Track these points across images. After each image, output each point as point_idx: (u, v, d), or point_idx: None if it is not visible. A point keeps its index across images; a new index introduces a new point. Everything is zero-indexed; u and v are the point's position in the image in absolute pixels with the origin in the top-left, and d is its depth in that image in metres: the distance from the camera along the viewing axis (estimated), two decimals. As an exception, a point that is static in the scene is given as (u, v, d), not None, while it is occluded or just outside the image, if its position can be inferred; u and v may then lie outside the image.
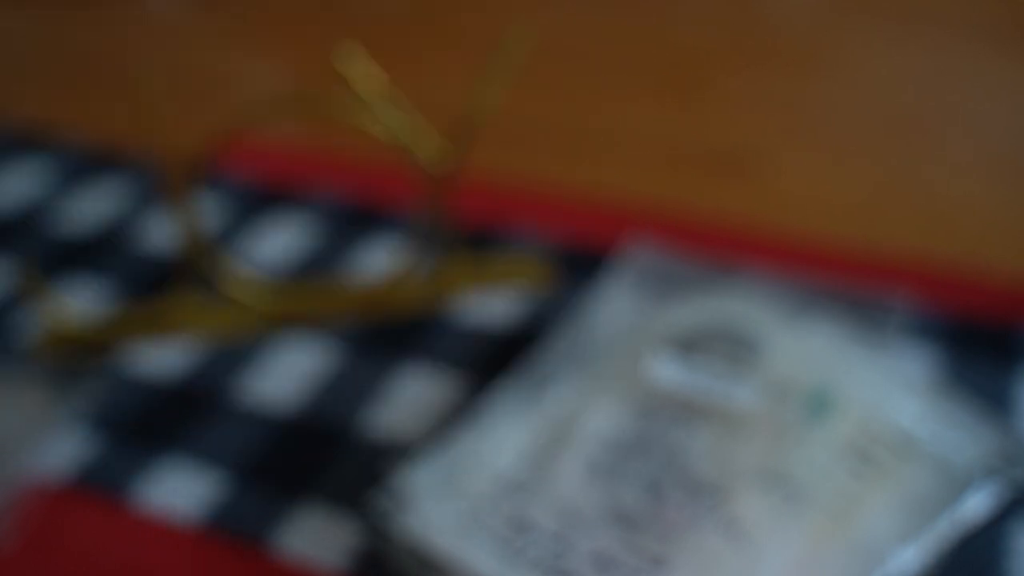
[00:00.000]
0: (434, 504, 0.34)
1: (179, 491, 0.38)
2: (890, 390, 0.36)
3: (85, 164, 0.60)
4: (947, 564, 0.32)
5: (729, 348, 0.38)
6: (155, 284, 0.49)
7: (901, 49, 0.71)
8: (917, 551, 0.31)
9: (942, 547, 0.32)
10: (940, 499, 0.33)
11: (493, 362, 0.42)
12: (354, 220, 0.53)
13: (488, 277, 0.47)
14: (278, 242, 0.51)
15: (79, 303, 0.47)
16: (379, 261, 0.50)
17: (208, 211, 0.54)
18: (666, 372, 0.38)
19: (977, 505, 0.33)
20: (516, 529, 0.33)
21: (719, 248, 0.46)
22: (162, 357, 0.43)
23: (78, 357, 0.44)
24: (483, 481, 0.35)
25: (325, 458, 0.38)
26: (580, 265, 0.48)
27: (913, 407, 0.36)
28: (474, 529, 0.33)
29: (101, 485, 0.38)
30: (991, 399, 0.38)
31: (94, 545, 0.36)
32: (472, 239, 0.50)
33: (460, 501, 0.34)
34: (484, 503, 0.34)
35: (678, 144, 0.61)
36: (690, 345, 0.39)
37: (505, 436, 0.37)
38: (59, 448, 0.39)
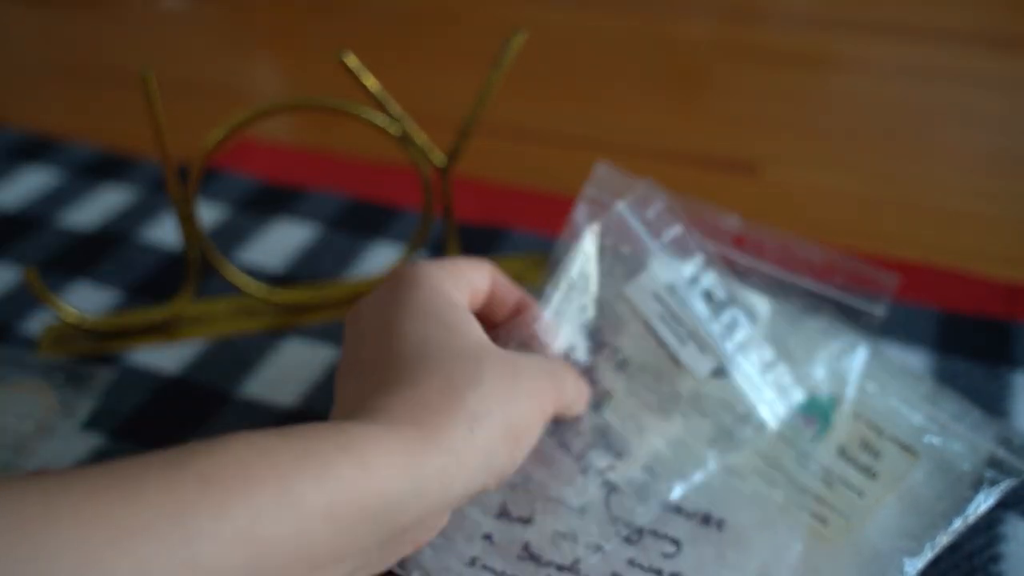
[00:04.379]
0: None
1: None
2: (891, 393, 0.36)
3: (90, 166, 0.60)
4: (947, 559, 0.32)
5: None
6: (158, 284, 0.49)
7: (901, 49, 0.71)
8: (920, 550, 0.31)
9: (944, 544, 0.32)
10: (943, 499, 0.33)
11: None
12: (355, 220, 0.53)
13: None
14: (279, 241, 0.52)
15: (83, 304, 0.47)
16: (380, 260, 0.50)
17: (209, 211, 0.54)
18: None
19: (978, 504, 0.33)
20: (520, 557, 0.33)
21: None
22: (165, 356, 0.43)
23: (82, 357, 0.44)
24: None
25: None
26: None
27: (914, 409, 0.36)
28: (480, 548, 0.33)
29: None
30: (989, 398, 0.38)
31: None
32: (472, 239, 0.50)
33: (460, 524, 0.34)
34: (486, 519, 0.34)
35: (678, 143, 0.61)
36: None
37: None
38: (63, 447, 0.39)
